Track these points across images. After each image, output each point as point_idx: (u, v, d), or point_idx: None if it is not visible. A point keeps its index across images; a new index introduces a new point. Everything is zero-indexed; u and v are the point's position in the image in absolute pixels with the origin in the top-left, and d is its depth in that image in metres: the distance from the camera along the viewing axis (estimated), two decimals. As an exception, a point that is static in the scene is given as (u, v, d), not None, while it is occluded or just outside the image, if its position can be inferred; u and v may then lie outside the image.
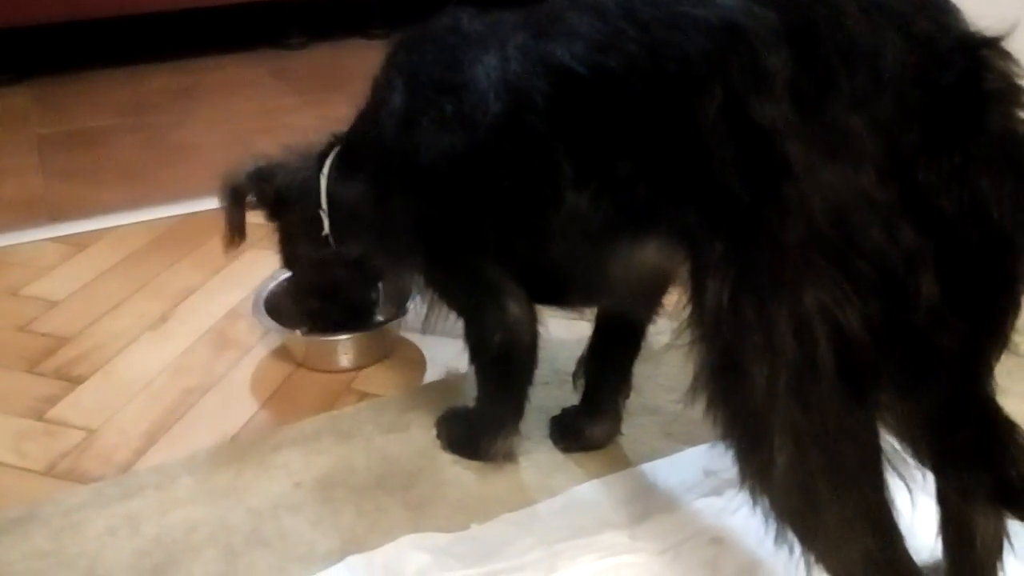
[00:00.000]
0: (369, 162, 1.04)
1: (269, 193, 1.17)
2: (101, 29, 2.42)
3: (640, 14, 0.73)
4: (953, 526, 0.75)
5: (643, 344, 1.06)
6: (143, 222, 1.67)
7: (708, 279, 0.69)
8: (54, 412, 1.19)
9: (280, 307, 1.30)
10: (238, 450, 1.11)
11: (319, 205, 1.12)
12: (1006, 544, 0.75)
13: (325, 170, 1.10)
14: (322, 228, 1.13)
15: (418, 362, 1.29)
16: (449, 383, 1.23)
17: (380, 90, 1.00)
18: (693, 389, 0.73)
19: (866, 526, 0.69)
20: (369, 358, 1.28)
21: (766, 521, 0.73)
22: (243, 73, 2.46)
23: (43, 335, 1.35)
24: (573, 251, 0.87)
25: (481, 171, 0.89)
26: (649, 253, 0.80)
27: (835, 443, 0.67)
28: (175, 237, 1.63)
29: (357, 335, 1.27)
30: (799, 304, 0.64)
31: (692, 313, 0.73)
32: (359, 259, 1.15)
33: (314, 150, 1.14)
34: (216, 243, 1.58)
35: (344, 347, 1.27)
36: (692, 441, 1.10)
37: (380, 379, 1.25)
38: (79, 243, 1.60)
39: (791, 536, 0.72)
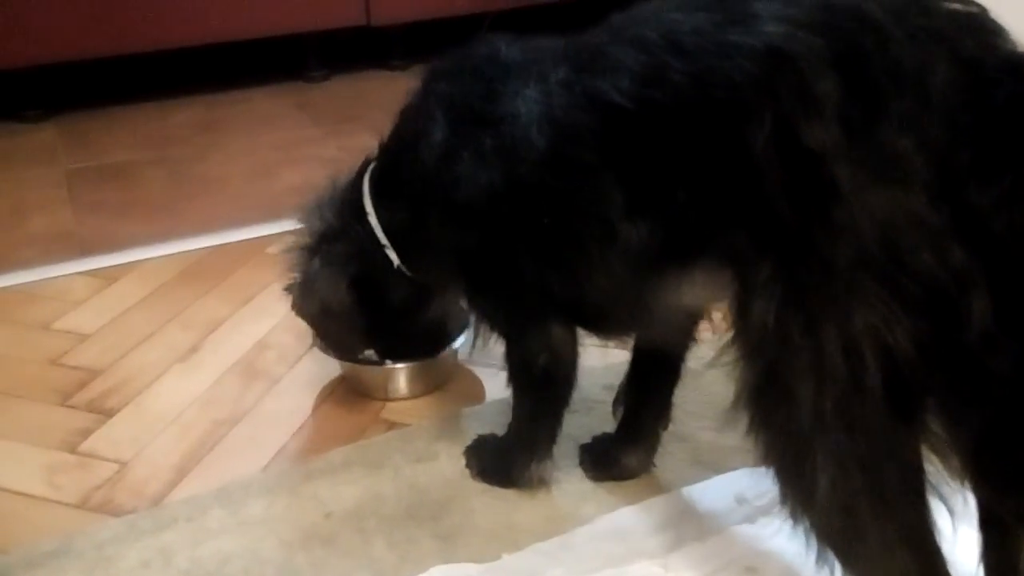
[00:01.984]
0: (409, 190, 1.03)
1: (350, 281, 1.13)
2: (126, 65, 2.46)
3: (685, 44, 0.73)
4: (996, 553, 0.75)
5: (682, 372, 1.06)
6: (171, 255, 1.69)
7: (755, 300, 0.70)
8: (86, 445, 1.20)
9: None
10: (269, 481, 1.11)
11: (380, 244, 1.09)
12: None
13: (370, 209, 1.08)
14: (391, 264, 1.10)
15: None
16: (477, 412, 1.23)
17: (418, 120, 0.99)
18: (734, 409, 0.73)
19: (908, 548, 0.69)
20: (429, 386, 1.29)
21: (807, 542, 0.72)
22: (266, 106, 2.49)
23: (75, 368, 1.36)
24: (614, 285, 0.87)
25: (520, 207, 0.89)
26: (696, 280, 0.80)
27: (878, 465, 0.67)
28: (203, 269, 1.64)
29: (419, 363, 1.27)
30: (848, 325, 0.64)
31: (736, 334, 0.73)
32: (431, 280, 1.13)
33: (333, 215, 1.13)
34: (243, 274, 1.62)
35: (405, 375, 1.27)
36: (722, 468, 1.09)
37: (409, 408, 1.25)
38: (109, 276, 1.62)
39: (831, 557, 0.72)
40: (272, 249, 1.70)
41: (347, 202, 1.12)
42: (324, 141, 2.23)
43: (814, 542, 0.72)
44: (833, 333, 0.65)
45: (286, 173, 2.06)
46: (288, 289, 1.19)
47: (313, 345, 1.29)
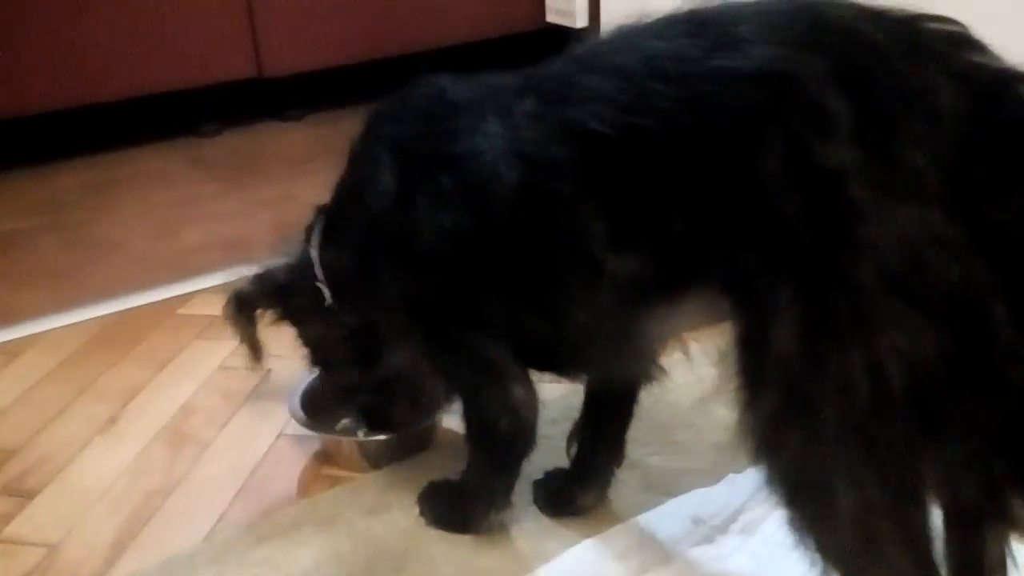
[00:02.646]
0: (356, 239, 1.02)
1: (269, 287, 1.13)
2: (2, 130, 2.35)
3: (670, 72, 0.72)
4: (961, 548, 0.77)
5: (635, 410, 1.06)
6: (75, 324, 1.61)
7: (774, 325, 0.68)
8: (9, 531, 1.12)
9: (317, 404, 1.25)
10: (216, 550, 1.06)
11: (316, 277, 1.08)
12: (1008, 560, 0.77)
13: (314, 241, 1.08)
14: (324, 300, 1.09)
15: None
16: (423, 459, 1.21)
17: (364, 166, 0.97)
18: (739, 436, 0.72)
19: (914, 557, 0.69)
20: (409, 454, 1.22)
21: (811, 560, 0.72)
22: (159, 164, 2.42)
23: (-16, 451, 1.28)
24: (596, 321, 0.84)
25: (492, 247, 0.86)
26: (686, 309, 0.79)
27: (895, 481, 0.67)
28: (111, 336, 1.57)
29: (400, 433, 1.21)
30: (874, 345, 0.64)
31: (747, 357, 0.72)
32: (366, 327, 1.10)
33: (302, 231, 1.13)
34: (156, 338, 1.56)
35: (385, 445, 1.21)
36: (674, 491, 1.11)
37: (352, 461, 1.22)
38: (10, 351, 1.53)
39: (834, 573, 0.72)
40: (184, 310, 1.66)
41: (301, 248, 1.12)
42: (224, 196, 2.18)
43: (825, 561, 0.71)
44: (859, 353, 0.64)
45: (187, 231, 2.00)
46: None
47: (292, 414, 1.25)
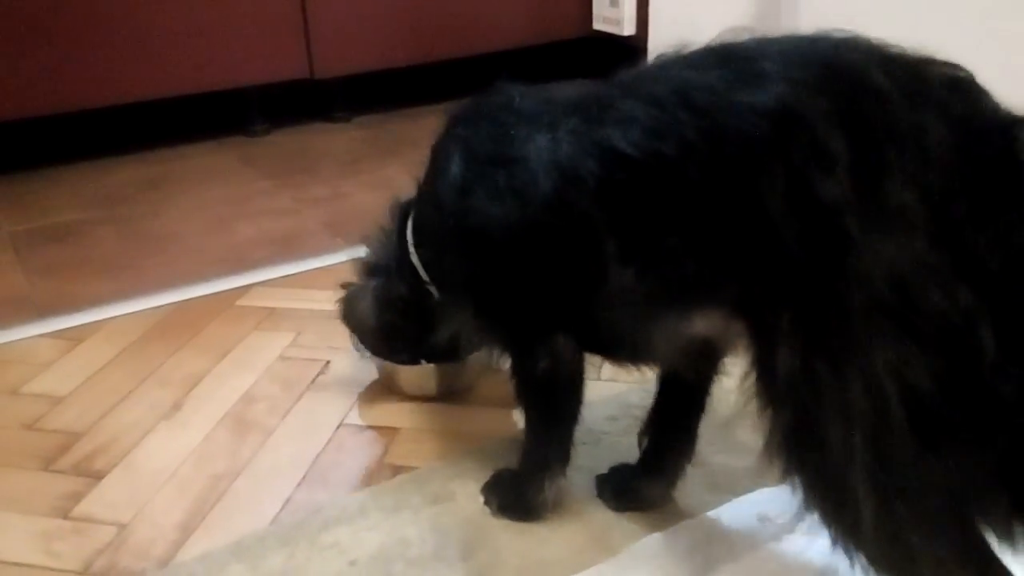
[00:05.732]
0: (430, 225, 1.10)
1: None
2: (59, 124, 2.40)
3: (697, 101, 0.77)
4: None
5: (706, 405, 1.07)
6: (137, 312, 1.64)
7: (778, 347, 0.73)
8: (80, 509, 1.14)
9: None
10: (285, 532, 1.07)
11: (422, 280, 1.17)
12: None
13: (410, 241, 1.16)
14: (433, 296, 1.18)
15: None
16: (483, 450, 1.22)
17: (439, 159, 1.04)
18: (767, 454, 0.76)
19: (964, 564, 0.71)
20: (460, 386, 1.37)
21: (860, 570, 0.75)
22: (211, 161, 2.46)
23: (53, 432, 1.30)
24: (619, 320, 0.90)
25: (529, 241, 0.93)
26: (697, 324, 0.85)
27: (918, 493, 0.70)
28: (172, 325, 1.60)
29: (453, 364, 1.34)
30: (869, 365, 0.68)
31: (760, 380, 0.76)
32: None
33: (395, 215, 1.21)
34: (215, 328, 1.58)
35: (438, 373, 1.35)
36: (739, 490, 1.11)
37: (413, 452, 1.24)
38: (74, 337, 1.56)
39: None
40: (242, 302, 1.68)
41: (396, 243, 1.20)
42: (277, 194, 2.21)
43: (867, 570, 0.74)
44: (856, 374, 0.69)
45: (242, 227, 2.03)
46: (339, 299, 1.31)
47: (355, 349, 1.36)
